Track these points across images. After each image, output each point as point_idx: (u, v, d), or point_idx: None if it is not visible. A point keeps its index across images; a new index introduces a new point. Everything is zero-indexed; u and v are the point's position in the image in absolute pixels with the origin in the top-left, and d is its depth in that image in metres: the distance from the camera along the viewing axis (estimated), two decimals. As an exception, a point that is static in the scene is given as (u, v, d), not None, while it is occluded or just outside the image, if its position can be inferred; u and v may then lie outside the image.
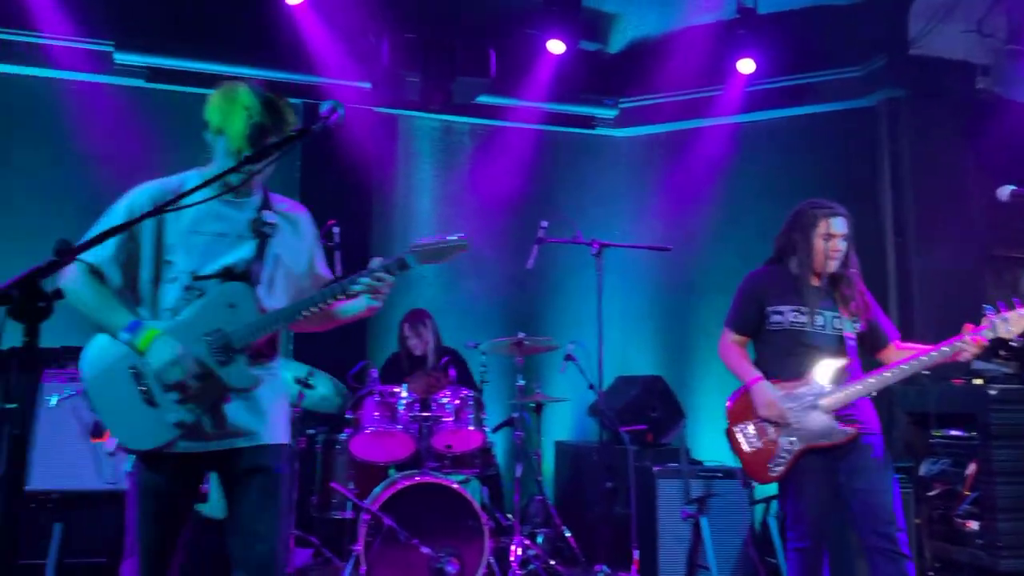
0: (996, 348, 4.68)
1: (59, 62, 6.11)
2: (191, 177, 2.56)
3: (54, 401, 4.04)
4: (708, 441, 6.65)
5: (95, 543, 4.32)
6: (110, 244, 2.44)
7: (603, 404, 5.01)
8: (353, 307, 2.67)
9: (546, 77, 6.87)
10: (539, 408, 5.53)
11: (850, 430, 3.49)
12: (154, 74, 6.36)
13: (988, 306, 3.39)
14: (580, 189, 7.32)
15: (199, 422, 2.41)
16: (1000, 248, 6.42)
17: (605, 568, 4.77)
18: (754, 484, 3.66)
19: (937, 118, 6.47)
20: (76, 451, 3.90)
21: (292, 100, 6.58)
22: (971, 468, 4.60)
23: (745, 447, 3.61)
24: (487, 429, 5.07)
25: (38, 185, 6.06)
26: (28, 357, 1.53)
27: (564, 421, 7.00)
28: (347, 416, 4.97)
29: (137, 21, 6.23)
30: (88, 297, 2.45)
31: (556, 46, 6.47)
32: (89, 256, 2.45)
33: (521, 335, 5.14)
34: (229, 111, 2.48)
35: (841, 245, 3.63)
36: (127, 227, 2.25)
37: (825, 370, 3.55)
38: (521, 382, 5.26)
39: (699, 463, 5.52)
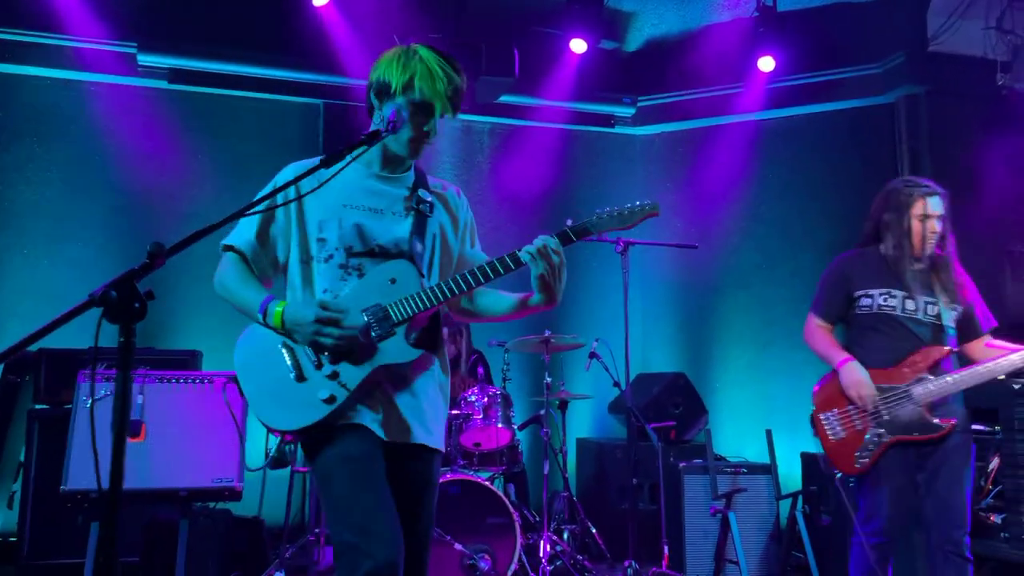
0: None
1: (83, 63, 6.14)
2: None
3: (89, 401, 4.07)
4: (729, 437, 6.70)
5: (131, 542, 4.35)
6: (252, 226, 2.34)
7: (630, 401, 5.04)
8: (507, 301, 2.55)
9: (566, 76, 6.89)
10: (563, 405, 5.57)
11: (944, 424, 3.34)
12: (176, 75, 6.36)
13: None
14: (600, 187, 7.33)
15: (354, 403, 2.24)
16: (1018, 244, 6.43)
17: (634, 563, 4.80)
18: (836, 472, 3.58)
19: (956, 115, 6.50)
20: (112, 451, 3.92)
21: (315, 101, 6.67)
22: (994, 462, 4.63)
23: (830, 436, 3.46)
24: (515, 427, 5.11)
25: (63, 185, 6.11)
26: (125, 358, 1.57)
27: (583, 418, 7.03)
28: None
29: (160, 22, 6.26)
30: (229, 280, 2.34)
31: (579, 45, 6.50)
32: (232, 240, 2.37)
33: (548, 333, 5.18)
34: (418, 71, 2.30)
35: (938, 226, 3.46)
36: (265, 200, 2.22)
37: (920, 359, 3.39)
38: (548, 379, 5.29)
39: (722, 459, 5.56)
